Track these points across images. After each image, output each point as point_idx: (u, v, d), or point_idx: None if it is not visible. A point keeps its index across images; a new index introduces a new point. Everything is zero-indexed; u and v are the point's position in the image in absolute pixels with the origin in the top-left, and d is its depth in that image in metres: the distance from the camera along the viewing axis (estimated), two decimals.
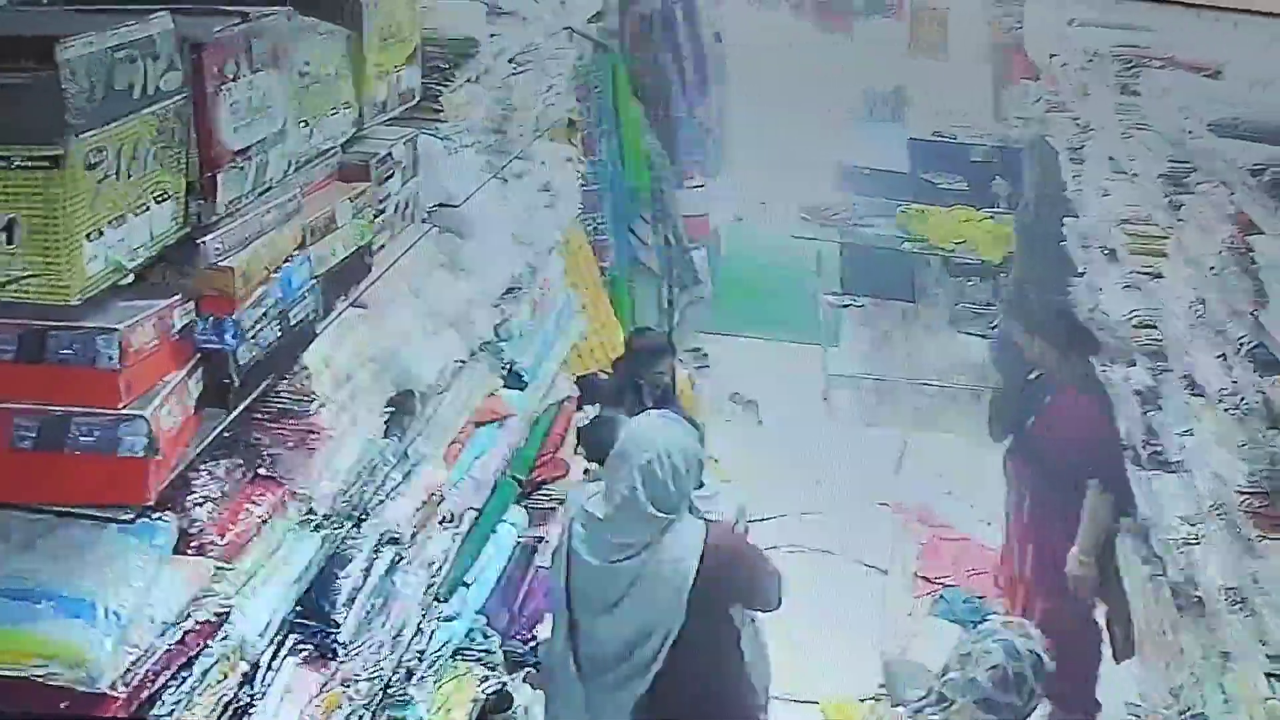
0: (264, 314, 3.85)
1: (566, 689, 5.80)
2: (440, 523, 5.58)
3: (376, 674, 4.90)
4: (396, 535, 5.04)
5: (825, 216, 12.06)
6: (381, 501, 4.99)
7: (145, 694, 3.51)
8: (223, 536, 3.90)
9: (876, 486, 9.96)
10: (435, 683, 5.61)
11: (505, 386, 6.57)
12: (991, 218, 11.93)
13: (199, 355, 3.66)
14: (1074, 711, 7.69)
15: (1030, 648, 5.01)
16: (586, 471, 7.49)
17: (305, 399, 4.25)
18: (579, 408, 7.77)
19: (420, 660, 5.42)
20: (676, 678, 5.62)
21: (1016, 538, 8.06)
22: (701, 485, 5.88)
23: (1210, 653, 6.05)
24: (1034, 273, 9.94)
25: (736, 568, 5.72)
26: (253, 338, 3.80)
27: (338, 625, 4.61)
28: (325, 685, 4.56)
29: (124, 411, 3.31)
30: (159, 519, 3.61)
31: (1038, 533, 7.84)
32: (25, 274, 3.09)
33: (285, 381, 4.19)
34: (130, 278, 3.37)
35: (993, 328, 9.52)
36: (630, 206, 9.77)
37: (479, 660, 6.08)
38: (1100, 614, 7.97)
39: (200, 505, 3.82)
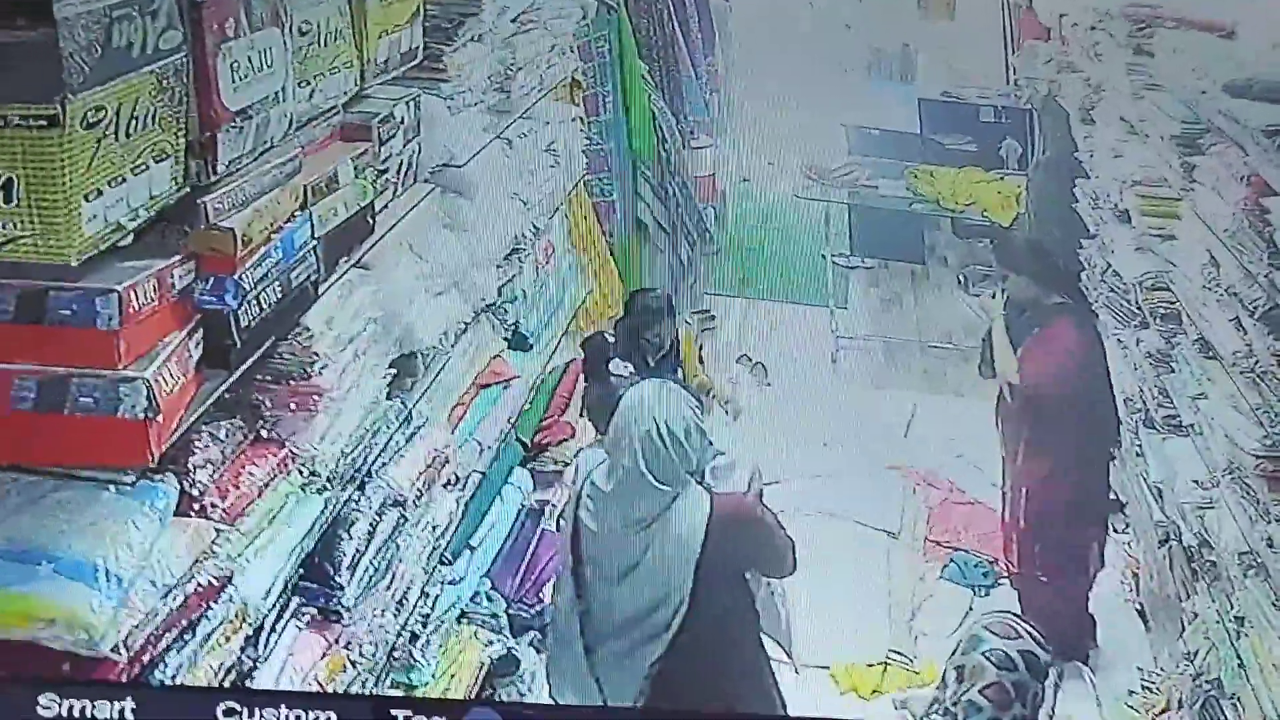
0: (265, 274, 3.84)
1: (570, 653, 5.79)
2: (444, 485, 5.55)
3: (381, 637, 4.90)
4: (400, 498, 5.02)
5: (833, 177, 11.96)
6: (384, 464, 4.98)
7: (147, 657, 3.50)
8: (224, 499, 3.90)
9: (886, 449, 9.90)
10: (440, 646, 5.60)
11: (509, 348, 6.54)
12: (1001, 179, 11.85)
13: (199, 316, 3.64)
14: (1069, 654, 7.67)
15: (1022, 649, 4.90)
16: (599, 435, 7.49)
17: (307, 361, 4.24)
18: (584, 370, 7.74)
19: (425, 624, 5.41)
20: (690, 642, 5.60)
21: (1010, 482, 8.00)
22: (720, 454, 5.83)
23: (1225, 617, 6.03)
24: (1045, 234, 9.89)
25: (747, 536, 5.67)
26: (254, 298, 3.78)
27: (341, 588, 4.60)
28: (329, 648, 4.55)
29: (124, 373, 3.31)
30: (160, 481, 3.61)
31: (1032, 473, 7.78)
32: (24, 234, 3.08)
33: (286, 343, 4.18)
34: (129, 238, 3.35)
35: (1003, 289, 9.49)
36: (636, 167, 9.74)
37: (484, 624, 6.08)
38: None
39: (201, 467, 3.81)
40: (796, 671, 6.07)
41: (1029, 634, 4.89)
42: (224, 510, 3.88)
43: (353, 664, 4.69)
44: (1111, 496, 7.91)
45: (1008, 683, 4.79)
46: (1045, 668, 4.88)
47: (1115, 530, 7.97)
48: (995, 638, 4.86)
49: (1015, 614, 5.06)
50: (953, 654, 4.96)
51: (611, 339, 8.09)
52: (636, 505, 5.47)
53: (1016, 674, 4.80)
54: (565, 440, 7.06)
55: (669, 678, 5.60)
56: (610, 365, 7.56)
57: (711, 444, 5.71)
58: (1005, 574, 8.12)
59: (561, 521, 6.06)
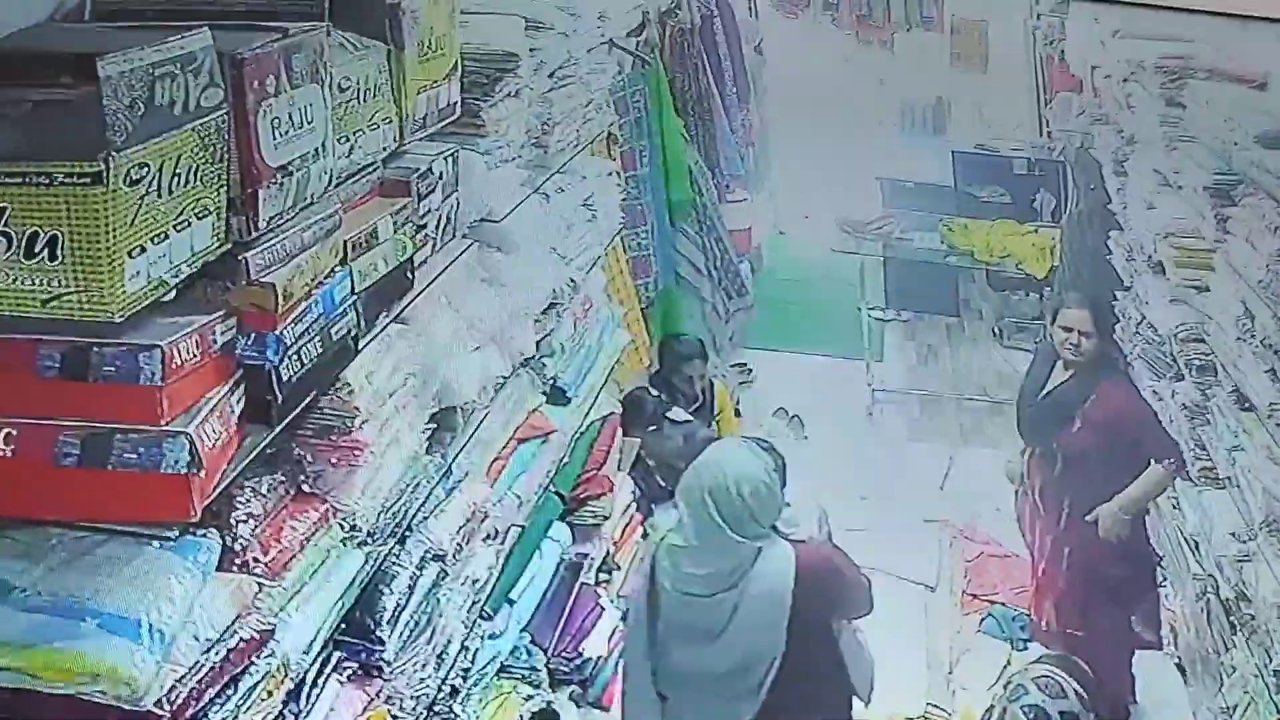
0: (306, 330, 3.85)
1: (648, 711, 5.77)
2: (484, 540, 5.57)
3: (421, 692, 4.90)
4: (440, 552, 5.03)
5: (867, 230, 12.00)
6: (424, 518, 4.99)
7: (189, 712, 3.50)
8: (266, 553, 3.90)
9: (923, 502, 9.91)
10: (480, 701, 5.60)
11: (548, 402, 6.55)
12: (1035, 231, 11.86)
13: (241, 371, 3.65)
14: (1111, 713, 7.65)
15: (1064, 709, 4.87)
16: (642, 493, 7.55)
17: (347, 415, 4.24)
18: (623, 424, 7.75)
19: (465, 678, 5.41)
20: (783, 695, 5.60)
21: (1051, 541, 7.96)
22: (786, 504, 5.82)
23: (1264, 671, 6.00)
24: (1080, 286, 9.89)
25: (831, 583, 5.69)
26: (295, 354, 3.79)
27: (382, 642, 4.60)
28: (370, 703, 4.56)
29: (167, 428, 3.31)
30: (202, 536, 3.61)
31: (1078, 533, 7.75)
32: (67, 291, 3.08)
33: (327, 398, 4.19)
34: (172, 294, 3.37)
35: (1038, 342, 9.48)
36: (674, 221, 9.77)
37: (524, 678, 6.08)
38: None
39: (244, 522, 3.82)
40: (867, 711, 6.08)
41: (1075, 693, 4.86)
42: (266, 564, 3.89)
43: (394, 718, 4.69)
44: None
45: None
46: None
47: (1159, 582, 7.96)
48: (1039, 693, 4.83)
49: (1064, 671, 5.02)
50: (997, 694, 4.94)
51: (653, 394, 8.12)
52: (715, 562, 5.49)
53: None
54: (604, 494, 7.06)
55: None
56: (670, 413, 7.59)
57: (785, 500, 5.71)
58: (1039, 633, 8.09)
59: (635, 588, 6.03)
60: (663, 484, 7.52)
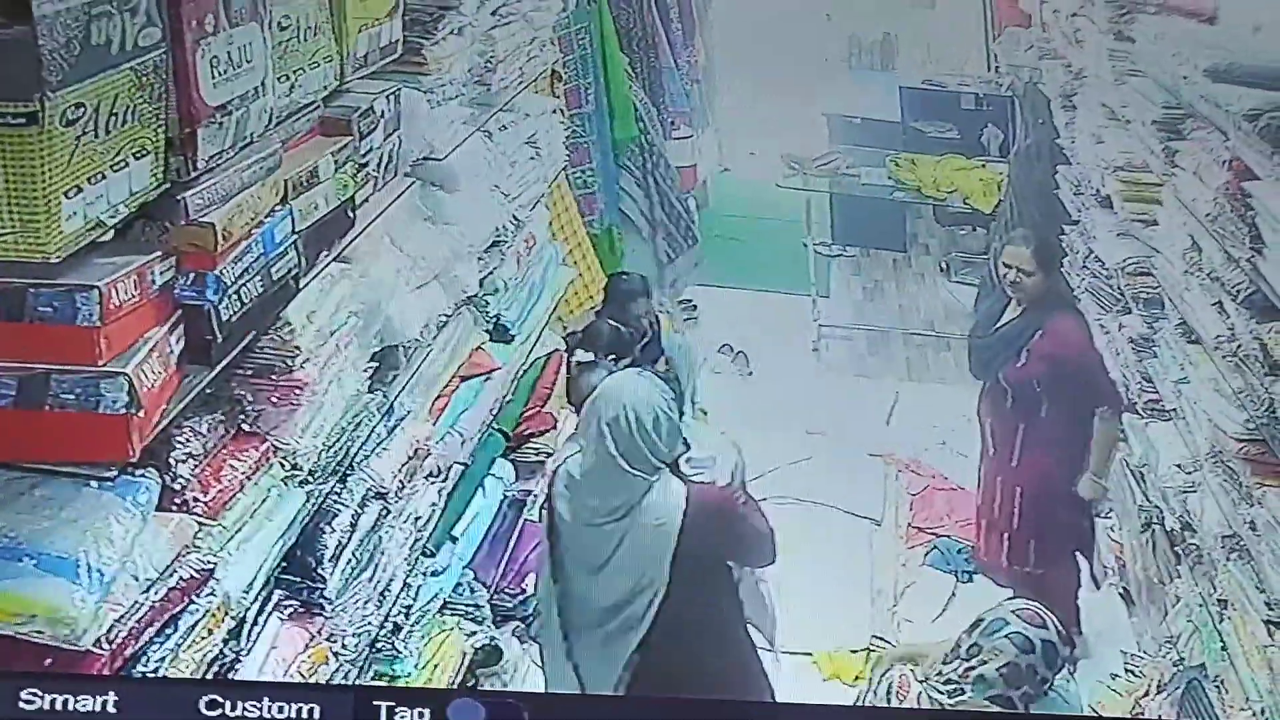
0: (246, 269, 3.84)
1: (550, 641, 5.81)
2: (426, 477, 5.57)
3: (363, 629, 4.91)
4: (382, 490, 5.04)
5: (814, 166, 11.96)
6: (366, 456, 4.99)
7: (129, 651, 3.52)
8: (206, 493, 3.91)
9: (868, 437, 9.91)
10: (423, 637, 5.61)
11: (491, 340, 6.55)
12: (983, 166, 11.85)
13: (180, 311, 3.65)
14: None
15: (1044, 638, 4.95)
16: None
17: (288, 354, 4.24)
18: (569, 354, 7.75)
19: (407, 615, 5.43)
20: (670, 632, 5.62)
21: (1000, 478, 7.99)
22: (688, 447, 5.81)
23: (1207, 601, 6.06)
24: (1027, 221, 9.90)
25: (725, 527, 5.68)
26: (235, 293, 3.79)
27: (324, 580, 4.62)
28: (312, 640, 4.57)
29: (105, 368, 3.31)
30: (141, 476, 3.61)
31: (1028, 470, 7.79)
32: (3, 231, 3.08)
33: (268, 337, 4.19)
34: (110, 234, 3.36)
35: (983, 278, 9.47)
36: (618, 159, 9.75)
37: (467, 615, 6.09)
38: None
39: (183, 462, 3.82)
40: (777, 659, 6.08)
41: (1054, 626, 4.96)
42: (206, 504, 3.89)
43: (335, 655, 4.71)
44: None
45: (1023, 665, 4.87)
46: (1060, 660, 4.95)
47: (1099, 515, 8.01)
48: (1021, 622, 4.92)
49: (1044, 605, 5.09)
50: (971, 630, 5.00)
51: (612, 324, 8.11)
52: (609, 493, 5.48)
53: (1033, 658, 4.87)
54: (547, 431, 7.07)
55: (649, 667, 5.61)
56: (574, 355, 7.59)
57: (684, 438, 5.70)
58: (986, 569, 8.13)
59: (541, 511, 6.07)
60: None
